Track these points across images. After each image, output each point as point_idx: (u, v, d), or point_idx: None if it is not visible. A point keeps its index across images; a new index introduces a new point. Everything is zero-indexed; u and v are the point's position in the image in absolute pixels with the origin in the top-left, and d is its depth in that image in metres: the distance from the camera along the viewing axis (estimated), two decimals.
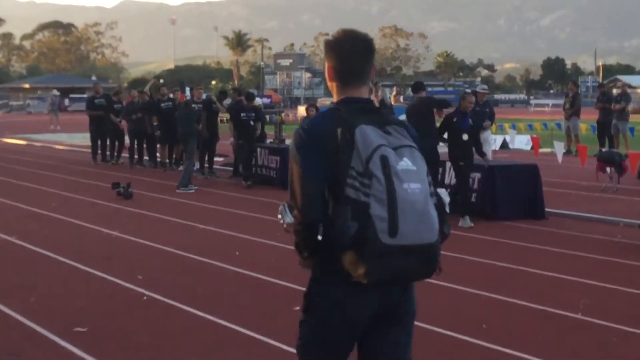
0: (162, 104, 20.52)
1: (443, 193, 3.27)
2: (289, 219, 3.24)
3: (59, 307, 7.53)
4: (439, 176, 13.51)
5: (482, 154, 12.49)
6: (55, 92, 53.82)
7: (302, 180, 3.17)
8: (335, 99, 3.38)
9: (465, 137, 12.07)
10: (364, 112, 3.22)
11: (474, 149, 12.34)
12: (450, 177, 13.42)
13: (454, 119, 12.22)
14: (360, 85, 3.34)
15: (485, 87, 18.60)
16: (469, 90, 16.56)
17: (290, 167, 3.24)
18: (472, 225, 11.95)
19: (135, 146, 22.06)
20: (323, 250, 3.14)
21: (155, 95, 22.06)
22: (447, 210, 3.23)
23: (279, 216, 3.28)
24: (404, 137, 3.18)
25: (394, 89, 30.51)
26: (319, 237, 3.15)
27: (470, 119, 12.29)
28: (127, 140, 22.46)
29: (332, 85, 3.39)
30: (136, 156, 22.05)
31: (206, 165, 19.38)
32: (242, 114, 17.44)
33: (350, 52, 3.32)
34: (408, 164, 3.07)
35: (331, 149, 3.12)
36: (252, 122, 17.45)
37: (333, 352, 3.28)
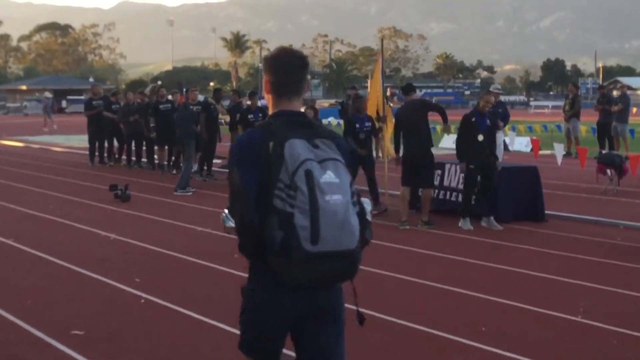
0: (161, 106, 20.46)
1: (366, 202, 3.53)
2: (230, 223, 3.54)
3: (56, 309, 7.50)
4: (438, 178, 13.49)
5: (495, 157, 12.26)
6: (47, 94, 53.79)
7: (238, 188, 3.45)
8: (270, 111, 3.66)
9: (480, 137, 11.93)
10: (296, 125, 3.49)
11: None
12: (449, 178, 13.37)
13: (473, 119, 12.10)
14: (293, 99, 3.64)
15: (499, 86, 18.42)
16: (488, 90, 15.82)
17: (229, 177, 3.56)
18: (472, 227, 11.91)
19: (133, 148, 22.03)
20: (264, 250, 3.38)
21: (153, 97, 22.00)
22: (369, 218, 3.51)
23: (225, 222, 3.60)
24: (331, 150, 3.43)
25: (388, 89, 30.16)
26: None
27: (489, 119, 12.17)
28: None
29: (268, 98, 3.69)
30: (134, 158, 22.02)
31: (204, 167, 19.31)
32: (249, 116, 17.24)
33: (287, 67, 3.64)
34: (331, 176, 3.33)
35: (263, 161, 3.39)
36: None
37: (267, 344, 3.58)
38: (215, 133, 19.41)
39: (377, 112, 14.51)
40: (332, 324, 3.58)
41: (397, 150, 12.71)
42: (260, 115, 17.35)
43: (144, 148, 21.89)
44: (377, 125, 14.21)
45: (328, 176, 3.32)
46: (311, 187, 3.27)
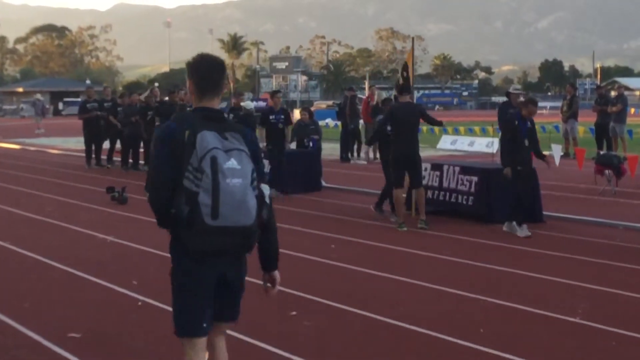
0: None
1: (265, 188, 4.19)
2: None
3: (53, 312, 7.48)
4: (437, 179, 13.49)
5: (543, 157, 12.05)
6: (39, 96, 53.68)
7: (153, 171, 4.12)
8: (194, 107, 4.25)
9: (527, 142, 11.75)
10: (210, 120, 4.10)
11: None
12: (448, 179, 13.35)
13: (515, 122, 11.87)
14: (213, 98, 4.24)
15: (519, 87, 17.90)
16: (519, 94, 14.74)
17: (150, 160, 4.18)
18: (530, 233, 11.55)
19: (131, 150, 21.97)
20: (177, 223, 3.99)
21: (151, 99, 21.94)
22: (267, 201, 4.18)
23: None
24: (238, 142, 4.05)
25: (372, 88, 29.72)
26: (173, 211, 3.99)
27: (529, 121, 11.95)
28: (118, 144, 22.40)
29: (192, 98, 4.27)
30: (131, 160, 21.98)
31: None
32: (270, 117, 16.58)
33: (206, 71, 4.23)
34: (234, 163, 3.95)
35: (178, 148, 3.99)
36: (280, 126, 16.50)
37: (199, 314, 4.20)
38: None
39: None
40: (235, 292, 4.27)
41: (375, 139, 13.36)
42: (282, 117, 16.66)
43: (142, 150, 21.84)
44: None
45: (231, 163, 3.93)
46: (215, 171, 3.88)
